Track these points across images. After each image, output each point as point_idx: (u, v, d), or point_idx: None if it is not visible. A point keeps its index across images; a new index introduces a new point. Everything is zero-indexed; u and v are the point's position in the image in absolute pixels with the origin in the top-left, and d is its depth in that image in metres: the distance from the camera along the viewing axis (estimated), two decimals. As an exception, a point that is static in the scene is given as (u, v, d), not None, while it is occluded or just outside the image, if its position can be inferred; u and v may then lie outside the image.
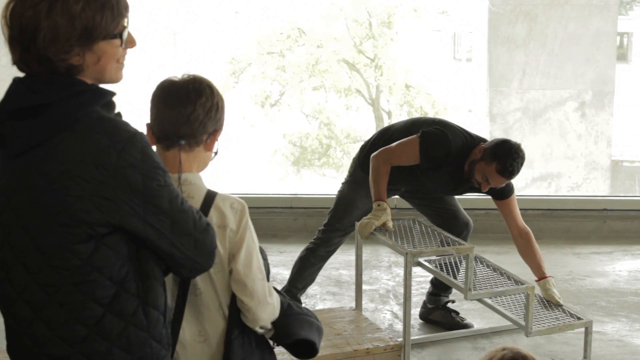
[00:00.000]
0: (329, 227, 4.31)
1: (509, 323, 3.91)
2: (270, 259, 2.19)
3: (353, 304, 4.33)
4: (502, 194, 4.04)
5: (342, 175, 4.43)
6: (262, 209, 6.31)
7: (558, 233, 6.30)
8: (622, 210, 6.43)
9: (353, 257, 4.21)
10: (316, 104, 17.41)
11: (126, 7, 1.69)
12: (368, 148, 4.20)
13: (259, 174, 16.61)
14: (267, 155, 17.55)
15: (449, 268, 3.91)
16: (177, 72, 2.09)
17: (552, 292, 3.93)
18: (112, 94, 1.68)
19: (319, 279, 4.63)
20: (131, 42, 1.72)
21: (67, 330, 1.65)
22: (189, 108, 1.97)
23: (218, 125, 2.03)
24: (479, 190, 4.00)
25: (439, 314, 4.44)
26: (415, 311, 4.50)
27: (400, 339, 3.67)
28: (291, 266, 4.42)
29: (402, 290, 4.21)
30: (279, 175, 17.23)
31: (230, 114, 15.41)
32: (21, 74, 1.67)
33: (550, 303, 3.91)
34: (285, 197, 6.57)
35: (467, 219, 4.30)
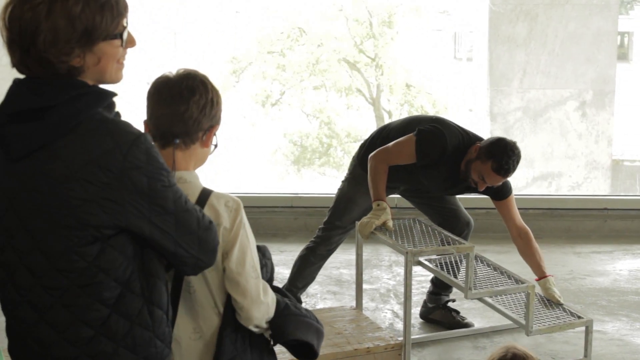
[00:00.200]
0: (329, 225, 4.31)
1: (509, 322, 3.91)
2: (270, 258, 2.18)
3: (354, 303, 4.33)
4: (501, 194, 4.03)
5: (343, 174, 4.43)
6: (263, 208, 6.31)
7: (559, 232, 6.30)
8: (623, 209, 6.43)
9: (353, 256, 4.21)
10: (317, 103, 17.40)
11: (125, 7, 1.68)
12: (367, 146, 4.20)
13: (260, 173, 16.61)
14: (268, 154, 17.54)
15: (450, 267, 3.91)
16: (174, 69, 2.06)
17: (552, 291, 3.93)
18: (114, 94, 1.68)
19: (319, 278, 4.63)
20: (131, 42, 1.71)
21: (72, 332, 1.65)
22: (182, 107, 1.96)
23: (214, 121, 2.02)
24: (476, 190, 3.99)
25: (439, 313, 4.44)
26: (416, 310, 4.50)
27: (401, 338, 3.67)
28: (292, 265, 4.42)
29: (402, 289, 4.21)
30: (279, 174, 17.22)
31: (231, 113, 15.45)
32: (21, 75, 1.66)
33: (550, 302, 3.91)
34: (285, 196, 6.57)
35: (468, 218, 4.30)
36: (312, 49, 16.89)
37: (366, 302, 4.64)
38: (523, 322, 3.63)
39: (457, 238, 3.92)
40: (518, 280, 3.79)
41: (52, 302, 1.64)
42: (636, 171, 14.86)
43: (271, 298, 2.04)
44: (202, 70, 2.06)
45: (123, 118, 1.69)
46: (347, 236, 4.39)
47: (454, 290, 4.28)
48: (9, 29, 1.62)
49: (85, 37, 1.62)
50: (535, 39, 8.19)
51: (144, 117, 2.04)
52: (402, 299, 4.18)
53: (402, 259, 4.44)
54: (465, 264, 3.74)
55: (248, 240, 2.00)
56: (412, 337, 3.97)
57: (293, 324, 2.06)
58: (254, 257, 2.00)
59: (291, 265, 4.42)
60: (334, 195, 4.41)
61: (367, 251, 5.63)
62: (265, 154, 17.49)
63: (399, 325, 4.43)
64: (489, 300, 3.81)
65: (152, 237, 1.66)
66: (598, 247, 6.03)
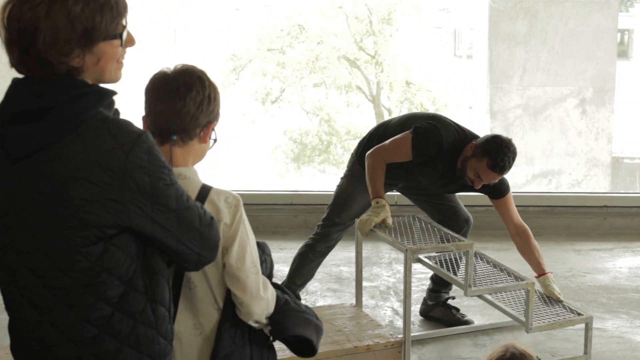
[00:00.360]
0: (328, 222, 4.30)
1: (509, 320, 3.92)
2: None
3: (354, 301, 4.33)
4: (498, 192, 4.03)
5: (343, 172, 4.44)
6: (263, 205, 6.32)
7: (558, 230, 6.30)
8: (623, 207, 6.43)
9: (353, 254, 4.22)
10: (317, 100, 17.39)
11: (125, 7, 1.67)
12: (365, 143, 4.22)
13: (260, 171, 16.61)
14: (268, 151, 17.53)
15: (450, 264, 3.91)
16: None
17: (552, 288, 3.93)
18: (114, 93, 1.67)
19: (319, 275, 4.63)
20: (130, 41, 1.70)
21: (76, 331, 1.64)
22: (179, 103, 1.96)
23: (212, 117, 2.01)
24: (472, 189, 3.98)
25: (439, 311, 4.44)
26: (416, 308, 4.51)
27: (401, 336, 3.67)
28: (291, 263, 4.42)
29: (402, 287, 4.21)
30: (279, 172, 17.22)
31: (231, 110, 15.43)
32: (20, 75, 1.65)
33: (550, 299, 3.92)
34: (285, 193, 6.57)
35: (467, 215, 4.30)
36: (312, 47, 16.88)
37: (366, 300, 4.64)
38: (523, 319, 3.64)
39: (456, 235, 3.92)
40: (518, 278, 3.79)
41: (55, 302, 1.64)
42: (636, 168, 14.85)
43: (271, 294, 2.05)
44: (202, 67, 2.06)
45: (122, 117, 1.69)
46: (346, 233, 4.38)
47: (454, 287, 4.29)
48: (8, 29, 1.60)
49: (85, 38, 1.61)
50: (535, 37, 8.20)
51: (143, 113, 2.04)
52: (402, 297, 4.18)
53: (402, 256, 4.44)
54: (465, 261, 3.75)
55: (247, 236, 2.01)
56: (412, 334, 3.98)
57: (293, 320, 2.07)
58: (253, 253, 2.01)
59: (290, 263, 4.43)
60: (333, 193, 4.41)
61: (367, 248, 5.64)
62: (265, 152, 17.48)
63: (399, 323, 4.43)
64: (489, 297, 3.82)
65: (154, 235, 1.66)
66: (598, 245, 6.03)
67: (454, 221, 4.23)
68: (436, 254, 3.95)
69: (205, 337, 2.02)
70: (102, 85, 1.68)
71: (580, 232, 6.30)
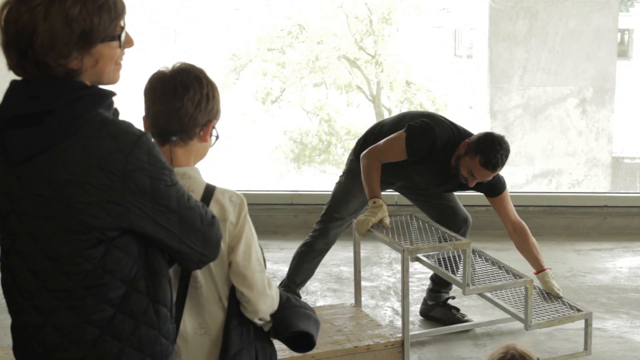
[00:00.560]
0: (327, 217, 4.29)
1: (509, 320, 3.91)
2: (270, 255, 2.20)
3: (354, 301, 4.33)
4: (494, 190, 4.03)
5: (342, 171, 4.44)
6: (263, 205, 6.32)
7: (559, 230, 6.30)
8: (623, 207, 6.43)
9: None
10: (317, 100, 17.40)
11: (123, 8, 1.66)
12: (362, 142, 4.23)
13: (260, 171, 16.62)
14: (268, 151, 17.54)
15: (449, 263, 3.91)
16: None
17: (551, 284, 3.94)
18: (113, 94, 1.66)
19: (319, 275, 4.63)
20: (129, 43, 1.69)
21: (78, 333, 1.64)
22: (177, 104, 1.95)
23: (211, 116, 2.01)
24: (467, 187, 3.98)
25: (439, 311, 4.44)
26: (416, 308, 4.51)
27: (400, 335, 3.67)
28: (291, 263, 4.42)
29: (402, 287, 4.20)
30: (279, 171, 17.23)
31: (231, 110, 15.43)
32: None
33: (550, 295, 3.92)
34: (285, 193, 6.57)
35: (465, 215, 4.30)
36: (312, 46, 16.89)
37: (366, 300, 4.64)
38: (522, 316, 3.64)
39: (454, 235, 3.92)
40: (516, 275, 3.79)
41: (57, 305, 1.63)
42: (636, 168, 14.85)
43: (275, 291, 2.07)
44: (202, 67, 2.05)
45: (123, 117, 1.68)
46: (345, 229, 4.37)
47: (454, 287, 4.29)
48: (6, 31, 1.59)
49: (83, 40, 1.60)
50: (536, 36, 8.20)
51: (143, 113, 2.04)
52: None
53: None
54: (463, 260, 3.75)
55: (252, 234, 2.03)
56: (412, 334, 3.98)
57: (296, 316, 2.09)
58: (258, 251, 2.03)
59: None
60: (331, 191, 4.41)
61: (367, 248, 5.64)
62: (265, 152, 17.50)
63: (399, 323, 4.43)
64: (488, 295, 3.82)
65: (156, 236, 1.66)
66: (598, 245, 6.03)
67: (452, 221, 4.23)
68: (436, 253, 3.94)
69: (211, 336, 2.02)
70: (100, 86, 1.67)
71: (581, 232, 6.30)
